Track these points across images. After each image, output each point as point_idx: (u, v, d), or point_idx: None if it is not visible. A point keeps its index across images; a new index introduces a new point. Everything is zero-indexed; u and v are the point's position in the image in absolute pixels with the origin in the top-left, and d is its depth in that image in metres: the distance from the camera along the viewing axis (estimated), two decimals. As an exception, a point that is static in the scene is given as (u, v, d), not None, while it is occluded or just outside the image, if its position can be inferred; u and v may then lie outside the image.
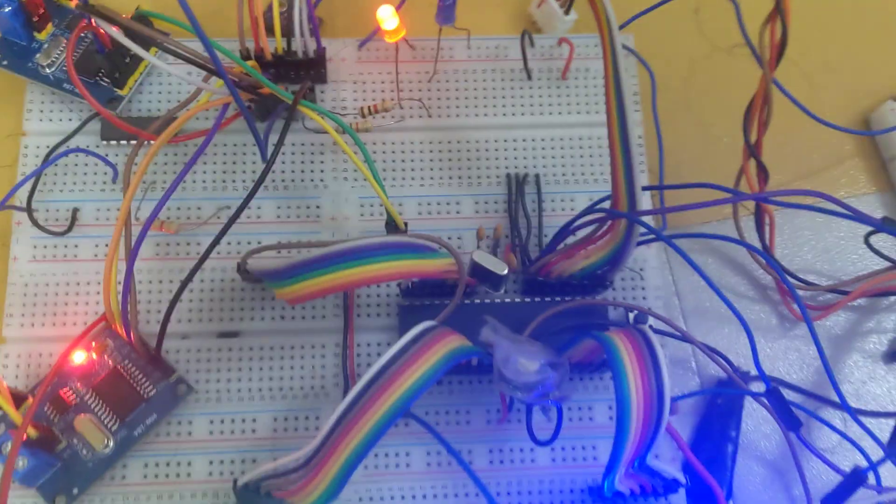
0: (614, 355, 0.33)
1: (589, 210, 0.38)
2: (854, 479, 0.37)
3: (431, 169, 0.43)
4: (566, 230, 0.38)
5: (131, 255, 0.35)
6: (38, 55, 0.43)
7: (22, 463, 0.36)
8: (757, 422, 0.42)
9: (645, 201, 0.42)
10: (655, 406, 0.32)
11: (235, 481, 0.35)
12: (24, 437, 0.34)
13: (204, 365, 0.40)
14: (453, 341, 0.33)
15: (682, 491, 0.37)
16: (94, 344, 0.39)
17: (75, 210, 0.42)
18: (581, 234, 0.38)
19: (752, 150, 0.40)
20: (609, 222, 0.36)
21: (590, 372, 0.40)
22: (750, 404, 0.42)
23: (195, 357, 0.40)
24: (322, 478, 0.32)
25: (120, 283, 0.36)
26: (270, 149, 0.39)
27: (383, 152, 0.43)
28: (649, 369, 0.32)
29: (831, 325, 0.44)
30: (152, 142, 0.38)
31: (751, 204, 0.43)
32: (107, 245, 0.39)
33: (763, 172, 0.41)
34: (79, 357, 0.39)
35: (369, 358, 0.40)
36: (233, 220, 0.36)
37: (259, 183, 0.36)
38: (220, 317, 0.41)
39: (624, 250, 0.36)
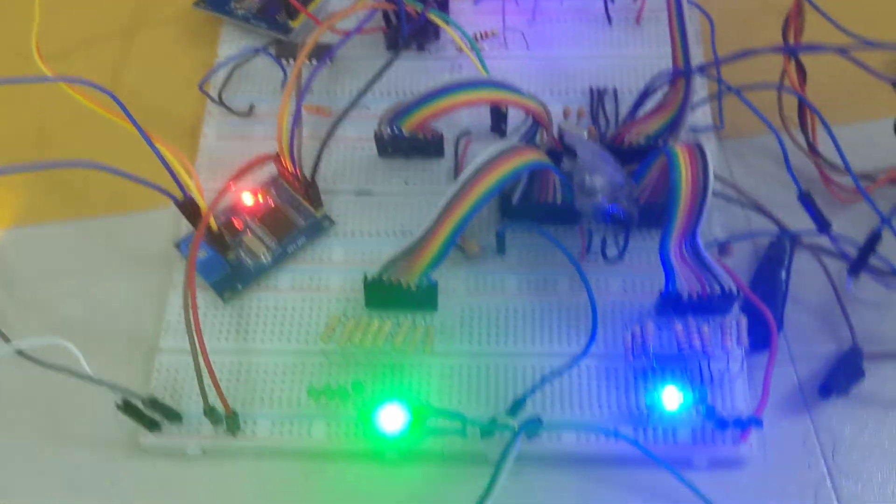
0: (672, 153, 0.41)
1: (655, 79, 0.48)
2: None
3: (528, 84, 0.54)
4: (642, 98, 0.48)
5: (298, 102, 0.47)
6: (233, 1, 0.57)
7: (202, 253, 0.46)
8: (806, 277, 0.48)
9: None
10: (701, 189, 0.40)
11: (365, 275, 0.45)
12: (206, 225, 0.45)
13: (342, 211, 0.50)
14: (534, 153, 0.43)
15: (736, 309, 0.43)
16: (259, 191, 0.50)
17: (252, 105, 0.54)
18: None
19: (792, 51, 0.49)
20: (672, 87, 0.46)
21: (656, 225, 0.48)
22: (798, 263, 0.48)
23: (336, 207, 0.50)
24: (431, 248, 0.42)
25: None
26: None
27: (491, 69, 0.55)
28: (698, 163, 0.41)
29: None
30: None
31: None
32: (274, 128, 0.50)
33: (801, 72, 0.50)
34: (247, 198, 0.50)
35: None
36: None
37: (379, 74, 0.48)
38: (358, 179, 0.51)
39: (684, 107, 0.46)
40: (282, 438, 0.43)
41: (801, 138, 0.51)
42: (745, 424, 0.40)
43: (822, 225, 0.44)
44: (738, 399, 0.43)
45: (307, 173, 0.48)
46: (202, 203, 0.45)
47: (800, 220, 0.47)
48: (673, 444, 0.42)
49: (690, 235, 0.41)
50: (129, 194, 0.51)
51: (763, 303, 0.43)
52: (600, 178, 0.42)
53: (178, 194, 0.45)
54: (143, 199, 0.52)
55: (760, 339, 0.44)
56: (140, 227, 0.52)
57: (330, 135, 0.48)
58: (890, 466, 0.43)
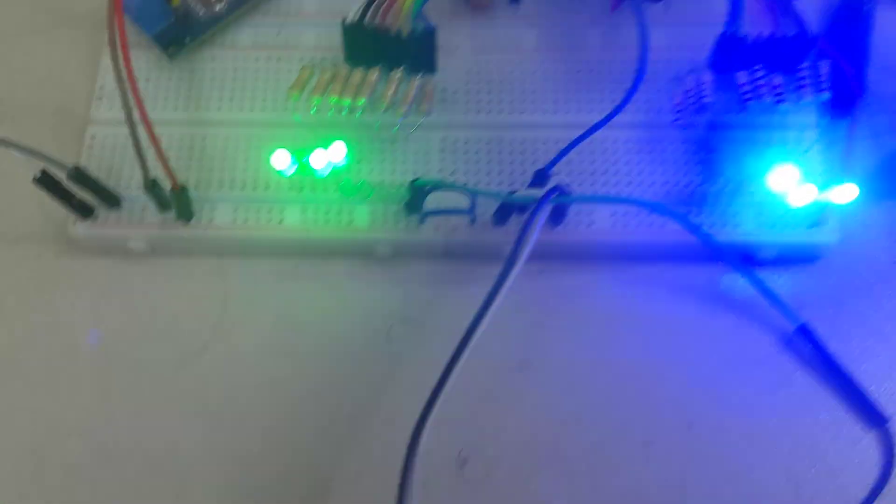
0: None
1: None
2: None
3: None
4: None
5: None
6: None
7: (139, -3, 0.36)
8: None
9: None
10: None
11: (344, 20, 0.35)
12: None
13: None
14: None
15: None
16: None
17: None
18: None
19: None
20: None
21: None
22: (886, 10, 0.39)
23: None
24: None
25: None
26: None
27: None
28: None
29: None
30: None
31: None
32: None
33: None
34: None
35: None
36: None
37: None
38: None
39: None
40: (247, 226, 0.35)
41: None
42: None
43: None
44: (816, 171, 0.34)
45: None
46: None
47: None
48: (732, 230, 0.34)
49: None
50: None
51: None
52: None
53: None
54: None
55: (840, 105, 0.35)
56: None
57: None
58: None
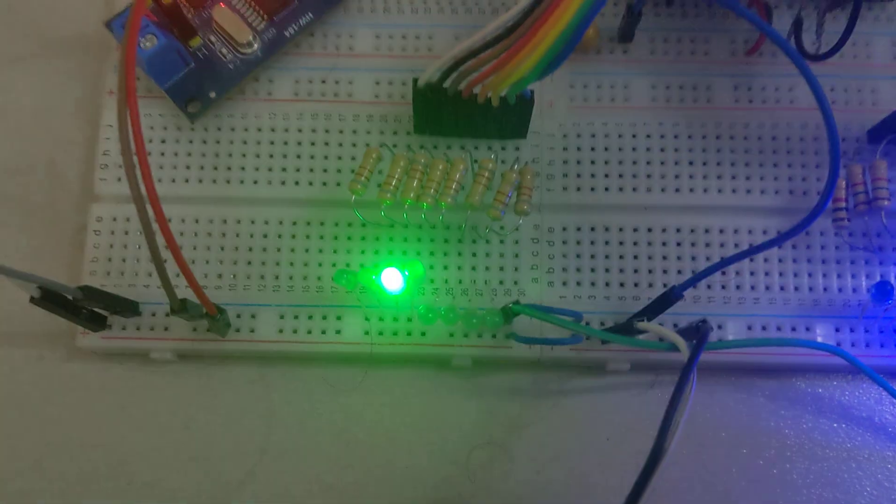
0: None
1: None
2: None
3: None
4: None
5: None
6: None
7: (149, 42, 0.28)
8: None
9: None
10: None
11: (415, 80, 0.27)
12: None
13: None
14: None
15: None
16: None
17: None
18: None
19: None
20: None
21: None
22: None
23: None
24: (540, 39, 0.23)
25: None
26: None
27: None
28: None
29: None
30: None
31: None
32: None
33: None
34: (218, -54, 0.30)
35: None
36: None
37: None
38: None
39: None
40: (296, 339, 0.28)
41: None
42: None
43: None
44: None
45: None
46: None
47: None
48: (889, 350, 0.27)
49: None
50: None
51: None
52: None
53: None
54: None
55: None
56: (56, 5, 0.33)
57: None
58: None
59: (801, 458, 0.28)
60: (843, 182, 0.27)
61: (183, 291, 0.24)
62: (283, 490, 0.28)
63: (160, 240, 0.23)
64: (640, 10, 0.29)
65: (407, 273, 0.27)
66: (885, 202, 0.26)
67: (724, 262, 0.26)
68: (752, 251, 0.26)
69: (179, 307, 0.26)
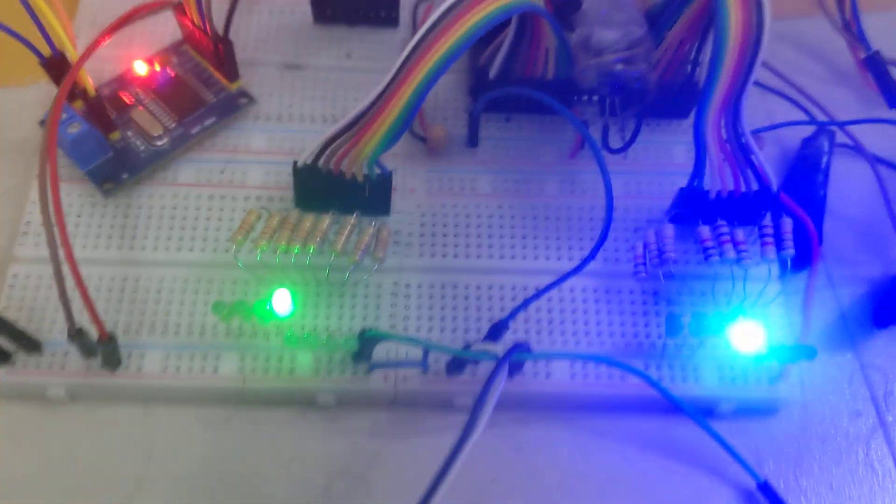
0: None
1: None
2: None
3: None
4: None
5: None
6: None
7: (75, 127, 0.34)
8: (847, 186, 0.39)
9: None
10: (753, 38, 0.30)
11: (295, 162, 0.33)
12: (76, 84, 0.33)
13: (266, 87, 0.39)
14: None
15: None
16: (157, 59, 0.38)
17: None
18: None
19: None
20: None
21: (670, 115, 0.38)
22: (839, 163, 0.39)
23: (257, 82, 0.39)
24: (384, 119, 0.31)
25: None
26: None
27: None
28: (752, 3, 0.30)
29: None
30: None
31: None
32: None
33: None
34: (141, 67, 0.38)
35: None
36: None
37: None
38: (287, 49, 0.40)
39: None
40: (178, 376, 0.32)
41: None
42: (796, 356, 0.30)
43: (892, 95, 0.35)
44: (777, 327, 0.33)
45: (219, 28, 0.36)
46: (72, 52, 0.33)
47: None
48: (693, 385, 0.32)
49: (733, 107, 0.31)
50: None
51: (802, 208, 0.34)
52: (613, 31, 0.32)
53: (45, 49, 0.33)
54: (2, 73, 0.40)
55: (797, 257, 0.35)
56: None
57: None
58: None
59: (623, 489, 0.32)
60: (641, 245, 0.34)
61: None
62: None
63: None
64: (479, 115, 0.36)
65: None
66: (671, 255, 0.32)
67: (537, 294, 0.31)
68: (555, 284, 0.31)
69: (76, 333, 0.30)
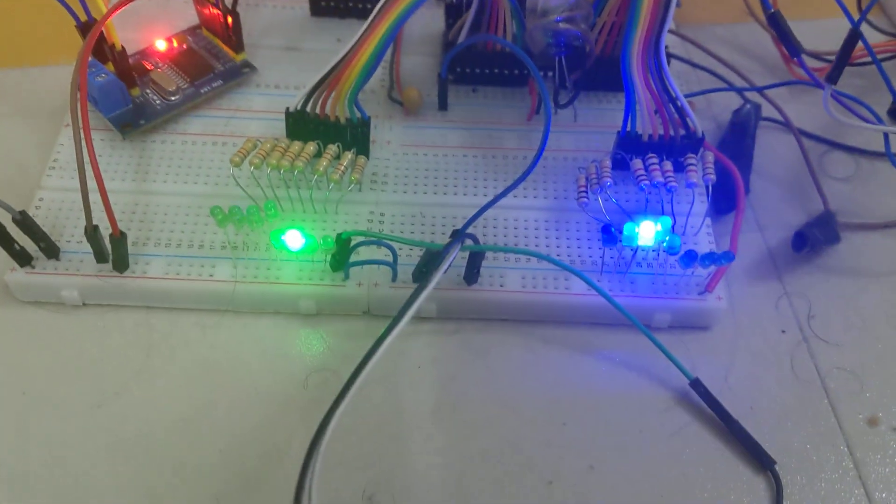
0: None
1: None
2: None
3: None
4: None
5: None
6: None
7: (102, 77, 0.40)
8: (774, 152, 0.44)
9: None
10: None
11: (287, 108, 0.39)
12: (103, 40, 0.39)
13: (268, 63, 0.45)
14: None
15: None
16: (175, 38, 0.45)
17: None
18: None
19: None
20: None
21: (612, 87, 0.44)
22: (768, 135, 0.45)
23: (261, 59, 0.45)
24: (359, 58, 0.37)
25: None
26: None
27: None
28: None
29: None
30: None
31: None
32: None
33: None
34: (161, 44, 0.44)
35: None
36: None
37: None
38: (287, 36, 0.47)
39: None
40: (178, 278, 0.37)
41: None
42: (717, 259, 0.35)
43: (793, 48, 0.40)
44: (704, 249, 0.38)
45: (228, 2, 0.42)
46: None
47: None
48: (631, 296, 0.37)
49: (654, 44, 0.37)
50: (26, 47, 0.46)
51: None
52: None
53: (82, 15, 0.39)
54: (41, 53, 0.47)
55: (725, 202, 0.40)
56: (36, 82, 0.46)
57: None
58: (869, 334, 0.38)
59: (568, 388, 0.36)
60: (583, 176, 0.39)
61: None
62: (150, 400, 0.35)
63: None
64: (446, 76, 0.42)
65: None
66: (608, 179, 0.37)
67: (487, 206, 0.36)
68: (500, 196, 0.36)
69: (93, 230, 0.35)
